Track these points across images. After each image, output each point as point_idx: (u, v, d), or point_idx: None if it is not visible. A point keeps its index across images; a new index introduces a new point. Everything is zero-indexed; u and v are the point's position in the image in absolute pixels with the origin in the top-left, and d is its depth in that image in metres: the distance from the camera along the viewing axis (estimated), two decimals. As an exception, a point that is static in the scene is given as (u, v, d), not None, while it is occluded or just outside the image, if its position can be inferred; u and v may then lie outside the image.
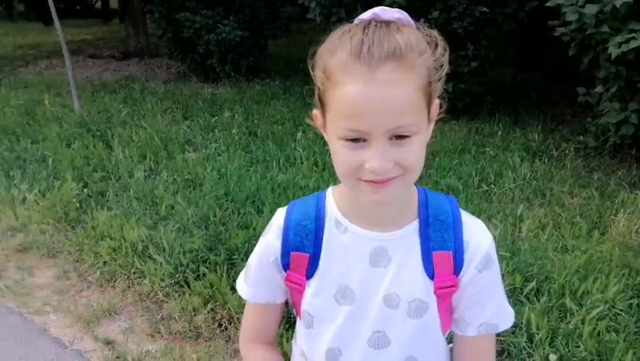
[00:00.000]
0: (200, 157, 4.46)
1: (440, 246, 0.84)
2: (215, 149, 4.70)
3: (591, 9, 3.82)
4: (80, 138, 4.98)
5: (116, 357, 2.38)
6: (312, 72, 0.80)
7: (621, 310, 2.35)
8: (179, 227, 3.21)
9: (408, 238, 0.85)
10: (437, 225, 0.85)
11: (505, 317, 0.90)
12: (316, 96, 0.81)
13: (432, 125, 0.81)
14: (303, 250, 0.87)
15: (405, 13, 0.77)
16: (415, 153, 0.74)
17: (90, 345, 2.48)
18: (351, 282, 0.86)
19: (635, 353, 2.05)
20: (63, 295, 2.88)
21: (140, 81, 7.75)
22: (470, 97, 5.66)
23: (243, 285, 0.98)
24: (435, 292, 0.84)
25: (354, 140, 0.73)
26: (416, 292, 0.85)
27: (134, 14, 10.50)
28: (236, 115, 5.72)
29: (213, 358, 2.33)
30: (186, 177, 4.03)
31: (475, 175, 4.06)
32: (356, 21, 0.77)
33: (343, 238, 0.87)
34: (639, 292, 2.49)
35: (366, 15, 0.76)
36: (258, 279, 0.95)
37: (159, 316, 2.62)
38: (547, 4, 4.28)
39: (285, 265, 0.89)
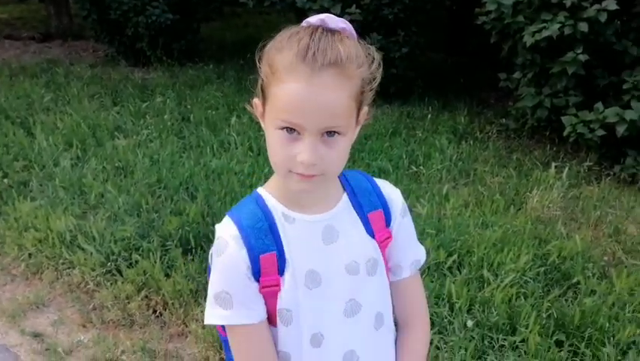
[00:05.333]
0: (131, 144, 4.34)
1: (372, 207, 0.97)
2: (147, 135, 4.58)
3: (508, -1, 4.06)
4: (-2, 125, 4.69)
5: (46, 349, 2.33)
6: (258, 64, 0.87)
7: (530, 278, 2.58)
8: (110, 215, 3.13)
9: (345, 210, 0.96)
10: (362, 192, 0.98)
11: (422, 250, 1.06)
12: (259, 87, 0.88)
13: (358, 128, 0.91)
14: (268, 249, 0.89)
15: (349, 24, 0.85)
16: (339, 153, 0.85)
17: (17, 339, 2.41)
18: (314, 265, 0.92)
19: (538, 315, 2.27)
20: (-16, 290, 2.75)
21: (64, 65, 7.32)
22: (402, 81, 5.84)
23: (226, 313, 0.89)
24: (379, 247, 0.97)
25: (290, 130, 0.82)
26: (368, 253, 0.96)
27: (55, -7, 9.86)
28: (168, 100, 5.57)
29: (148, 344, 2.33)
30: (116, 164, 3.92)
31: (405, 157, 4.23)
32: (304, 24, 0.85)
33: (294, 227, 0.92)
34: (546, 261, 2.75)
35: (313, 20, 0.84)
36: (242, 299, 0.90)
37: (91, 306, 2.57)
38: (470, -7, 4.50)
39: (256, 273, 0.89)
